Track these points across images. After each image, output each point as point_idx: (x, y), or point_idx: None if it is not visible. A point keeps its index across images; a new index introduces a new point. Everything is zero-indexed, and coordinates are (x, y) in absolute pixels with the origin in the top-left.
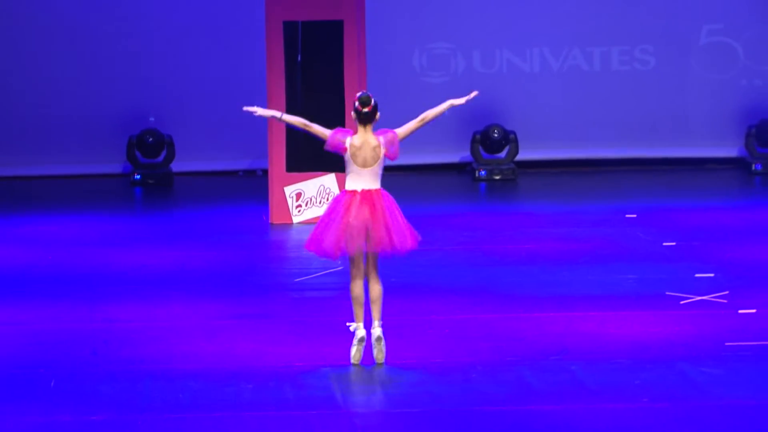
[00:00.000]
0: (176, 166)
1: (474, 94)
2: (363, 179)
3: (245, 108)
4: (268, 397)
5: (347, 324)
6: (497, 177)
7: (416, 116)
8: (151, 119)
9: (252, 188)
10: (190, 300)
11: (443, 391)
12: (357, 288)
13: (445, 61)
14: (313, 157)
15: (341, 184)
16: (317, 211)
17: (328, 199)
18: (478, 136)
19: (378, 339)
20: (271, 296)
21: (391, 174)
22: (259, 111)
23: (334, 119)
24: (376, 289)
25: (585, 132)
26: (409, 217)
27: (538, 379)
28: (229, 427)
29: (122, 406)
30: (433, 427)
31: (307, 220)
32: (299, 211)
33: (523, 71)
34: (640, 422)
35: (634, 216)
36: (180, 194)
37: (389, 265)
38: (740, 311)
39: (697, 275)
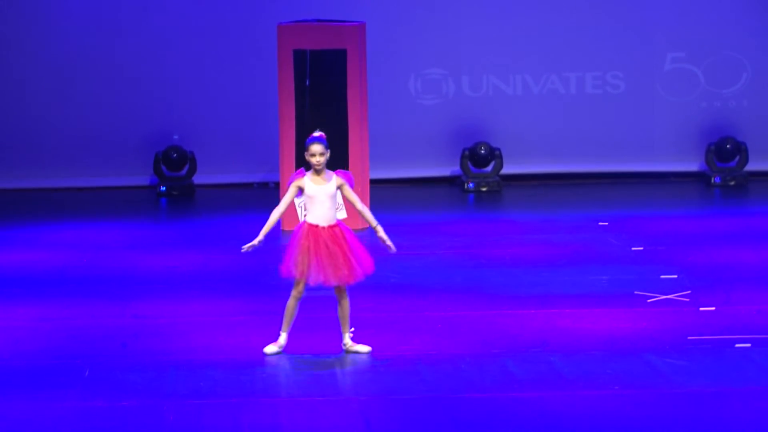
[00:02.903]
0: (197, 179)
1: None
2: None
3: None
4: (280, 384)
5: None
6: (484, 189)
7: (410, 134)
8: (176, 137)
9: (265, 198)
10: (210, 298)
11: (436, 379)
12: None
13: (438, 85)
14: None
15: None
16: None
17: None
18: (466, 152)
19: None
20: (282, 294)
21: (389, 186)
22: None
23: (338, 136)
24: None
25: (562, 148)
26: (406, 225)
27: (520, 369)
28: (245, 412)
29: (149, 392)
30: (426, 412)
31: None
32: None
33: (507, 94)
34: (611, 407)
35: (606, 223)
36: (201, 204)
37: (388, 265)
38: (701, 309)
39: (662, 276)
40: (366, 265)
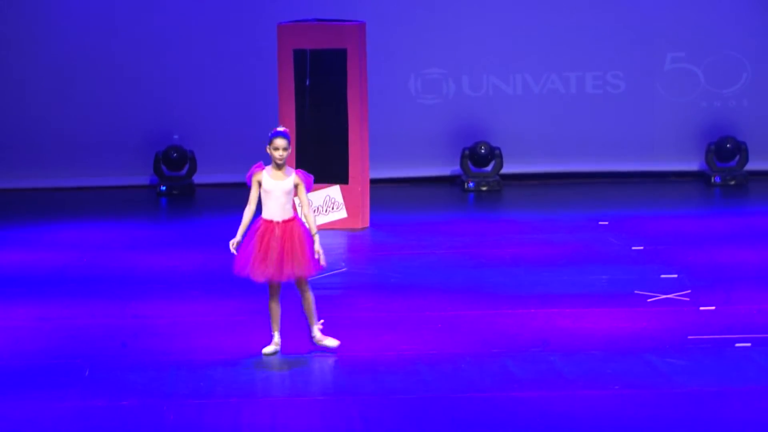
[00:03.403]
0: (198, 179)
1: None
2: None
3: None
4: (279, 384)
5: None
6: (484, 188)
7: (410, 134)
8: (176, 137)
9: None
10: (210, 298)
11: (436, 379)
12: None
13: (438, 85)
14: (320, 171)
15: (345, 195)
16: (322, 218)
17: (333, 208)
18: (467, 152)
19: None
20: (282, 294)
21: (390, 186)
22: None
23: (338, 135)
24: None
25: (562, 148)
26: (406, 225)
27: (520, 369)
28: (244, 411)
29: (149, 392)
30: (426, 412)
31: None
32: None
33: (507, 94)
34: (611, 407)
35: (606, 223)
36: (201, 203)
37: (389, 265)
38: (701, 308)
39: (662, 276)
40: (300, 267)
